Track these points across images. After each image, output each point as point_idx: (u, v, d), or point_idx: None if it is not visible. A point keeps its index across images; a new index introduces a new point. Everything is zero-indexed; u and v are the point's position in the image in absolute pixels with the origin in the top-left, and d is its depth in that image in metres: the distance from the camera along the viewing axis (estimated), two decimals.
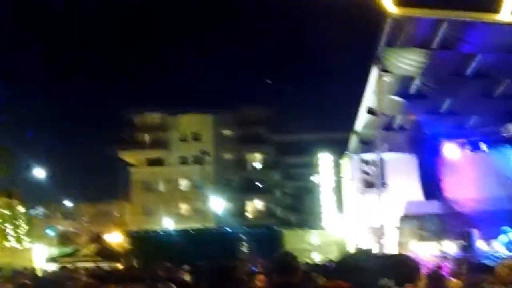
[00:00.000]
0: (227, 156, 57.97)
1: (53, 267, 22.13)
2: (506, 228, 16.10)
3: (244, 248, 25.80)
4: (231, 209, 52.60)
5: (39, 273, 14.61)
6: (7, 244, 37.09)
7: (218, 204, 48.73)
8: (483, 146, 19.71)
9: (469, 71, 16.48)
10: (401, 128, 20.10)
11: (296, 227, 43.62)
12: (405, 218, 17.82)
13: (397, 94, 16.91)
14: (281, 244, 25.45)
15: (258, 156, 58.40)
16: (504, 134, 19.11)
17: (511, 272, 5.33)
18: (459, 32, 14.59)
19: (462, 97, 18.10)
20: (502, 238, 16.02)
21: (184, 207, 55.70)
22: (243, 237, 26.83)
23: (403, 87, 16.72)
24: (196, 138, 58.33)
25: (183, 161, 58.33)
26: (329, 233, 29.89)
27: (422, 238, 16.77)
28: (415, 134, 19.60)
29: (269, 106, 55.54)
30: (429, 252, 15.67)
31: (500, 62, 16.18)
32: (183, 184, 57.53)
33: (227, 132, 58.48)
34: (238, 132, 57.69)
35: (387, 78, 15.93)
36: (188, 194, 55.75)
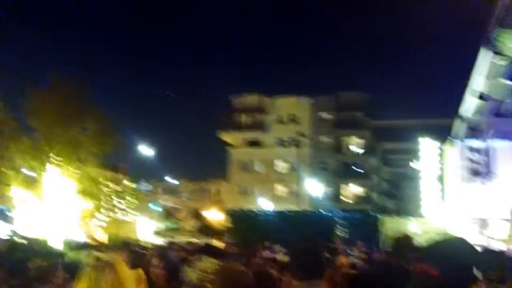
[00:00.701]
0: (324, 139, 57.67)
1: (157, 240, 23.26)
2: None
3: (340, 232, 25.65)
4: (327, 192, 52.46)
5: (148, 245, 15.35)
6: (114, 216, 39.45)
7: (313, 186, 48.71)
8: None
9: None
10: None
11: (394, 213, 42.69)
12: None
13: (510, 78, 15.88)
14: (378, 229, 24.99)
15: (355, 140, 57.63)
16: None
17: None
18: None
19: None
20: None
21: (280, 188, 56.27)
22: (339, 220, 26.66)
23: None
24: (294, 120, 58.56)
25: (280, 142, 58.79)
26: (429, 222, 28.96)
27: None
28: None
29: (368, 90, 54.66)
30: None
31: None
32: (280, 165, 58.03)
33: (324, 115, 58.11)
34: (335, 115, 57.15)
35: (499, 60, 14.99)
36: (284, 176, 56.21)
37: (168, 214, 47.18)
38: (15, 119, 30.85)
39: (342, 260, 8.08)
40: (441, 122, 34.81)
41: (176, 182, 57.55)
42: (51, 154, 30.50)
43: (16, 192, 29.18)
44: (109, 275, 3.19)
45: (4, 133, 29.73)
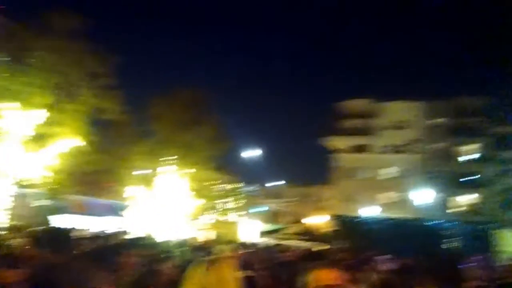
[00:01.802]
0: (437, 146, 55.32)
1: (262, 241, 23.64)
2: None
3: (451, 243, 24.59)
4: (436, 201, 50.36)
5: (255, 246, 15.72)
6: (221, 215, 40.64)
7: (422, 195, 47.05)
8: None
9: None
10: None
11: (510, 227, 40.07)
12: None
13: None
14: (491, 243, 23.65)
15: (470, 148, 54.68)
16: None
17: None
18: None
19: None
20: None
21: (386, 196, 54.87)
22: (450, 231, 25.57)
23: None
24: (403, 126, 56.93)
25: (388, 149, 57.40)
26: None
27: None
28: None
29: (486, 95, 51.55)
30: None
31: None
32: (387, 172, 56.63)
33: (436, 121, 55.83)
34: (449, 121, 54.65)
35: None
36: (391, 183, 54.74)
37: (272, 217, 47.64)
38: (138, 124, 33.00)
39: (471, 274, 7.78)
40: None
41: (280, 185, 58.14)
42: (167, 157, 32.15)
43: (131, 190, 30.96)
44: (221, 270, 3.19)
45: (127, 137, 31.83)
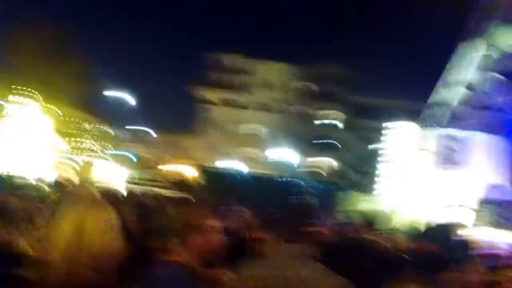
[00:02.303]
0: (300, 108, 57.68)
1: (130, 187, 23.03)
2: None
3: (305, 200, 25.87)
4: (294, 160, 52.73)
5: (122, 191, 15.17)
6: (86, 157, 38.81)
7: (284, 153, 49.00)
8: None
9: None
10: (499, 109, 18.86)
11: (359, 189, 43.40)
12: (484, 202, 17.07)
13: (499, 72, 15.92)
14: (341, 202, 25.24)
15: (330, 113, 57.78)
16: None
17: None
18: None
19: None
20: None
21: (250, 151, 56.30)
22: (306, 189, 26.88)
23: (508, 65, 15.69)
24: (271, 85, 58.43)
25: (255, 106, 58.71)
26: (389, 202, 29.37)
27: (497, 225, 16.06)
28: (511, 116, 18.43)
29: (348, 64, 54.33)
30: (501, 240, 15.11)
31: None
32: (252, 128, 58.02)
33: (303, 84, 58.02)
34: (315, 86, 57.10)
35: (491, 54, 15.07)
36: (256, 139, 56.26)
37: (141, 163, 46.53)
38: None
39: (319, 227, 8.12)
40: (420, 106, 35.16)
41: (147, 130, 57.15)
42: (26, 89, 30.09)
43: None
44: (92, 210, 2.97)
45: None
